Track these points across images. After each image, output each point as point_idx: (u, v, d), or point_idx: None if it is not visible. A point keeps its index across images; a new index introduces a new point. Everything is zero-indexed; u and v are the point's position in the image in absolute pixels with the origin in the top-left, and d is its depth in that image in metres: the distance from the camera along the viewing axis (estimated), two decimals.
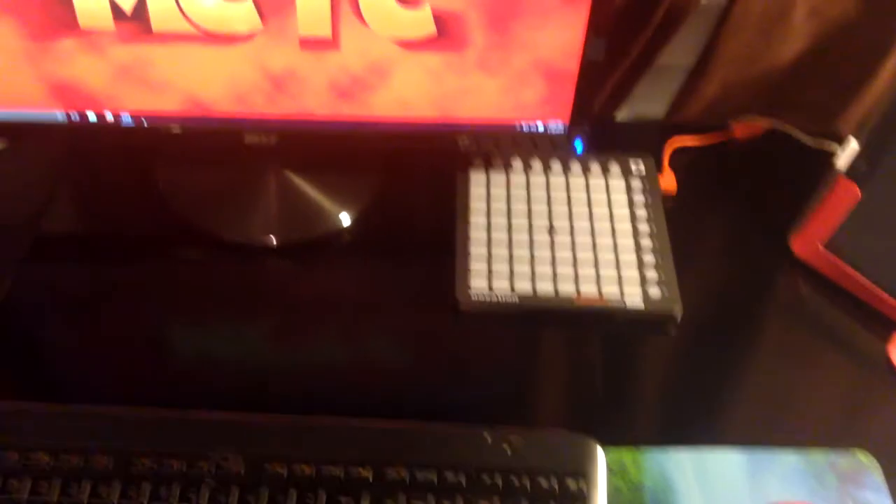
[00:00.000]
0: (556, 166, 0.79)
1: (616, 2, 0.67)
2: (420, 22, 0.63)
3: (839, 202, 0.70)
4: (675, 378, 0.66)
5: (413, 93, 0.68)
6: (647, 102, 0.89)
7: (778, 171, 0.81)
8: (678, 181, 0.80)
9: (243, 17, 0.62)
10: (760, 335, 0.69)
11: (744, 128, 0.85)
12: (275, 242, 0.75)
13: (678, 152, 0.83)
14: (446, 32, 0.64)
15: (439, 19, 0.63)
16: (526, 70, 0.67)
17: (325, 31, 0.63)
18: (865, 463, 0.59)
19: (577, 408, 0.65)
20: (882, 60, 0.75)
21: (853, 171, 0.70)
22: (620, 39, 0.76)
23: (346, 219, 0.76)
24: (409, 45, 0.65)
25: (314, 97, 0.68)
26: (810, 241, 0.72)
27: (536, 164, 0.79)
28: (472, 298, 0.69)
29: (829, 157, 0.71)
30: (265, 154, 0.73)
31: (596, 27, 0.64)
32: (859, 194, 0.69)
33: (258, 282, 0.73)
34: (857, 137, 0.69)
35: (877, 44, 0.75)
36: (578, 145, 0.73)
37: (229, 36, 0.63)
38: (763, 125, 0.84)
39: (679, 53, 0.82)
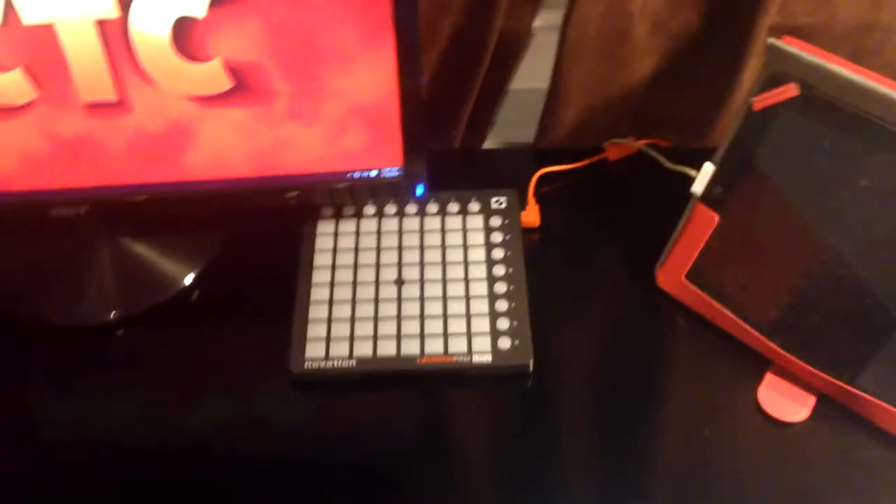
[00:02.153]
0: (412, 209, 0.73)
1: (428, 37, 0.62)
2: (213, 76, 0.58)
3: (697, 230, 0.65)
4: (529, 441, 0.61)
5: (226, 150, 0.63)
6: (516, 128, 0.84)
7: (645, 197, 0.76)
8: (546, 211, 0.75)
9: (14, 86, 0.57)
10: (623, 382, 0.64)
11: (616, 149, 0.80)
12: (112, 317, 0.69)
13: (550, 180, 0.78)
14: (246, 84, 0.59)
15: (235, 71, 0.58)
16: (343, 117, 0.62)
17: (108, 94, 0.58)
18: None
19: (413, 490, 0.59)
20: (741, 68, 0.70)
21: (710, 196, 0.65)
22: (462, 70, 0.71)
23: (187, 279, 0.71)
24: (208, 100, 0.59)
25: (117, 162, 0.62)
26: (673, 272, 0.67)
27: (390, 209, 0.73)
28: (307, 367, 0.63)
29: (690, 181, 0.65)
30: (83, 225, 0.68)
31: (407, 67, 0.59)
32: (716, 220, 0.64)
33: (95, 361, 0.67)
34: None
35: (733, 51, 0.70)
36: (420, 188, 0.68)
37: (5, 107, 0.58)
38: (635, 146, 0.79)
39: (538, 76, 0.77)
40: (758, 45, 0.67)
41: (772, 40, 0.60)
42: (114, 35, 0.55)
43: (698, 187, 0.65)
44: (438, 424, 0.62)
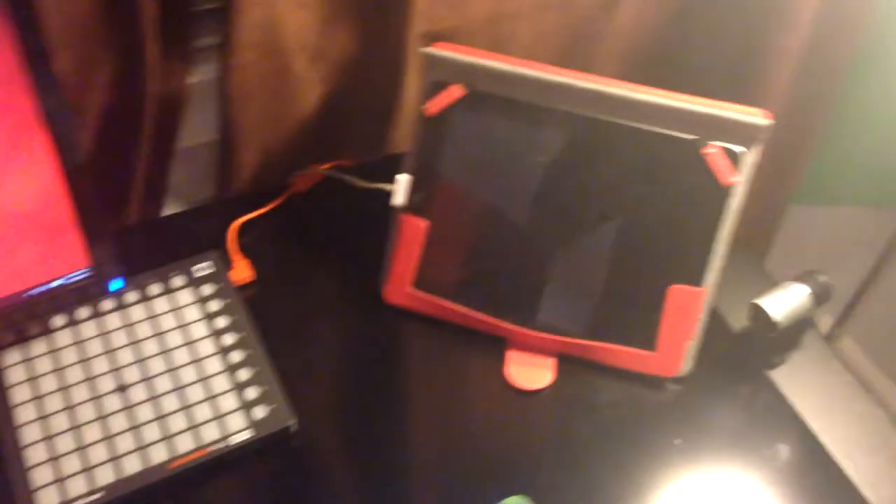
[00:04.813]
0: (108, 305, 0.66)
1: (94, 114, 0.56)
2: None
3: (410, 239, 0.67)
4: (319, 494, 0.59)
5: None
6: (195, 184, 0.79)
7: (347, 219, 0.76)
8: (254, 262, 0.72)
9: None
10: (384, 404, 0.64)
11: (303, 181, 0.79)
12: None
13: (247, 230, 0.75)
14: None
15: None
16: (7, 234, 0.53)
17: None
18: None
19: None
20: (403, 79, 0.72)
21: (413, 204, 0.66)
22: (122, 144, 0.65)
23: None
24: None
25: None
26: (399, 285, 0.68)
27: (83, 313, 0.65)
28: None
29: (386, 194, 0.67)
30: None
31: (68, 160, 0.53)
32: (426, 226, 0.66)
33: None
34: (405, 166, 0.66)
35: (393, 64, 0.72)
36: (117, 283, 0.61)
37: None
38: (320, 172, 0.79)
39: (205, 130, 0.74)
40: (413, 55, 0.70)
41: (425, 49, 0.62)
42: None
43: (399, 199, 0.67)
44: None
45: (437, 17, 0.69)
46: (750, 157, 0.60)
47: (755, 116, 0.59)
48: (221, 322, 0.66)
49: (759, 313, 0.68)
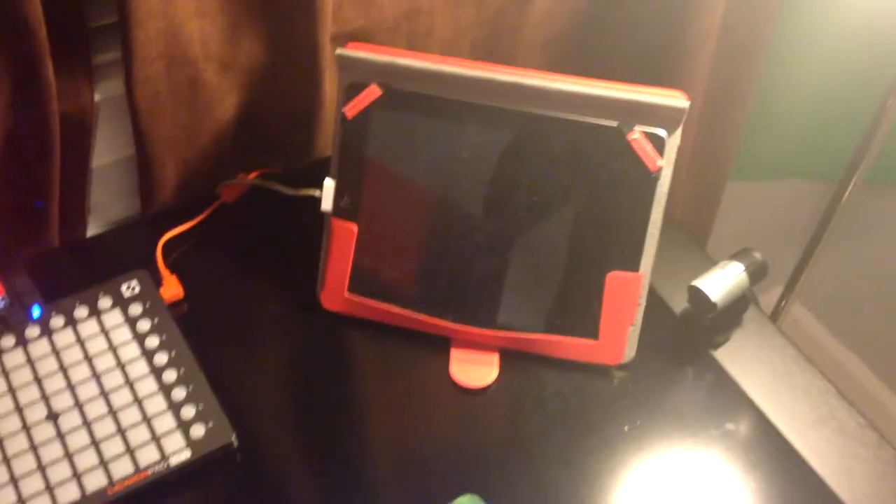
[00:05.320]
0: (34, 332, 0.64)
1: None
2: None
3: (341, 244, 0.66)
4: None
5: None
6: (123, 201, 0.77)
7: (278, 228, 0.75)
8: (186, 278, 0.70)
9: None
10: (330, 411, 0.63)
11: (231, 191, 0.77)
12: None
13: (176, 245, 0.73)
14: None
15: None
16: None
17: None
18: None
19: None
20: (319, 82, 0.71)
21: (340, 209, 0.65)
22: (31, 168, 0.62)
23: None
24: None
25: None
26: (335, 291, 0.67)
27: (8, 341, 0.63)
28: None
29: (317, 200, 0.65)
30: None
31: None
32: (355, 229, 0.65)
33: None
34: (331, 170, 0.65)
35: (306, 67, 0.71)
36: (35, 309, 0.59)
37: None
38: (248, 182, 0.77)
39: (127, 145, 0.71)
40: (326, 57, 0.69)
41: (339, 51, 0.61)
42: None
43: (327, 204, 0.65)
44: None
45: (347, 17, 0.68)
46: (673, 139, 0.60)
47: (675, 99, 0.59)
48: (153, 341, 0.64)
49: (697, 294, 0.68)
